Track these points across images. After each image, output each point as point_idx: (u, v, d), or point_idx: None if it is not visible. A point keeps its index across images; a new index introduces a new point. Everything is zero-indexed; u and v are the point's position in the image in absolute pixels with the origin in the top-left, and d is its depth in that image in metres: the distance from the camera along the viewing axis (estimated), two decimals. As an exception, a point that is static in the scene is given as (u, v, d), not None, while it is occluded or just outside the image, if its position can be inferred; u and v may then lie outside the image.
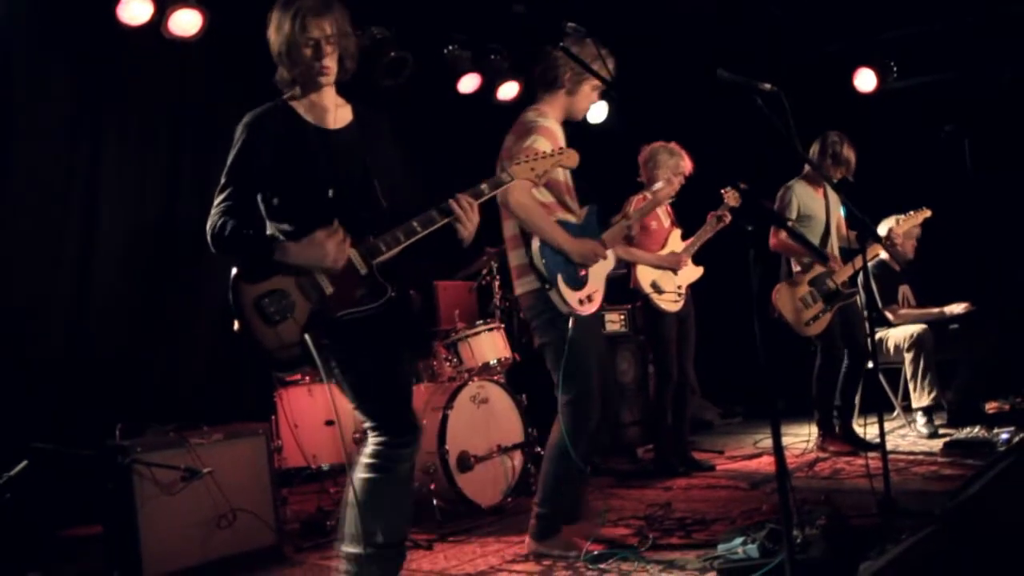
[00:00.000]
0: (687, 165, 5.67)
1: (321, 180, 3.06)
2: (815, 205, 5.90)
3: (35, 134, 5.56)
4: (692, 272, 5.86)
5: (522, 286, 4.03)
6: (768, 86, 3.65)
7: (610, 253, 4.18)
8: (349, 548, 3.10)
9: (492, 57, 7.34)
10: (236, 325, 2.98)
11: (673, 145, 5.69)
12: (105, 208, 5.88)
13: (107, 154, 5.92)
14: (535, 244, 3.90)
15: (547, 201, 4.00)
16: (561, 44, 3.69)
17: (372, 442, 3.10)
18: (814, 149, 5.86)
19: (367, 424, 3.11)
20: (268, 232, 3.09)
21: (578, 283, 3.98)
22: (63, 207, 5.70)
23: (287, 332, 2.94)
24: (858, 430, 6.00)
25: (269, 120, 3.07)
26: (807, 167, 5.93)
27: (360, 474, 3.09)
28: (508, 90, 7.58)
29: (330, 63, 3.05)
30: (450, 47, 7.11)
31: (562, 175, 4.01)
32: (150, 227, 6.17)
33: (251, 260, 2.98)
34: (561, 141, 3.97)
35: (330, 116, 3.16)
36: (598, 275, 4.09)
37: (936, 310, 6.56)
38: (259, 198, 3.09)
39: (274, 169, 3.03)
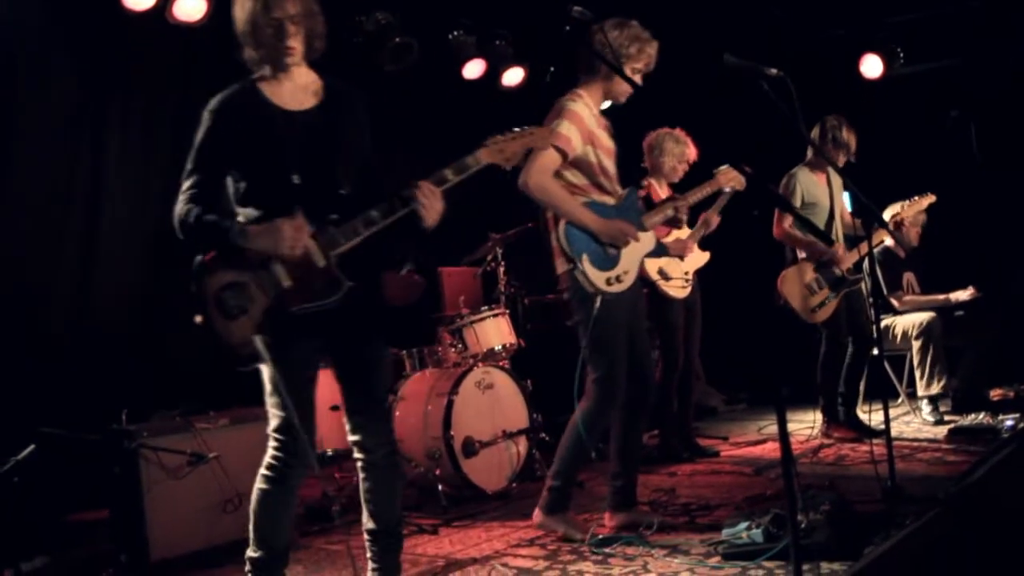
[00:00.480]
0: (692, 152, 5.66)
1: (286, 165, 3.00)
2: (818, 192, 5.88)
3: (39, 121, 5.54)
4: (699, 258, 5.85)
5: (559, 266, 4.07)
6: (774, 71, 3.64)
7: (649, 235, 4.15)
8: (250, 552, 3.12)
9: (497, 43, 7.31)
10: (198, 318, 3.01)
11: (678, 132, 5.67)
12: (109, 193, 5.87)
13: (111, 140, 5.91)
14: (561, 224, 3.93)
15: (580, 183, 4.00)
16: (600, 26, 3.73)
17: (270, 453, 3.07)
18: (814, 134, 5.82)
19: (269, 429, 3.07)
20: (239, 218, 3.05)
21: (607, 263, 3.97)
22: (67, 192, 5.69)
23: (243, 328, 2.94)
24: (863, 417, 6.00)
25: (234, 104, 3.03)
26: (809, 154, 5.91)
27: (257, 484, 3.08)
28: (513, 76, 7.55)
29: (295, 43, 2.99)
30: (455, 32, 7.08)
31: (594, 156, 3.99)
32: (155, 212, 6.16)
33: (213, 246, 2.98)
34: (591, 125, 3.98)
35: (298, 97, 3.08)
36: (632, 256, 4.05)
37: (941, 297, 6.55)
38: (229, 182, 3.06)
39: (239, 154, 3.00)
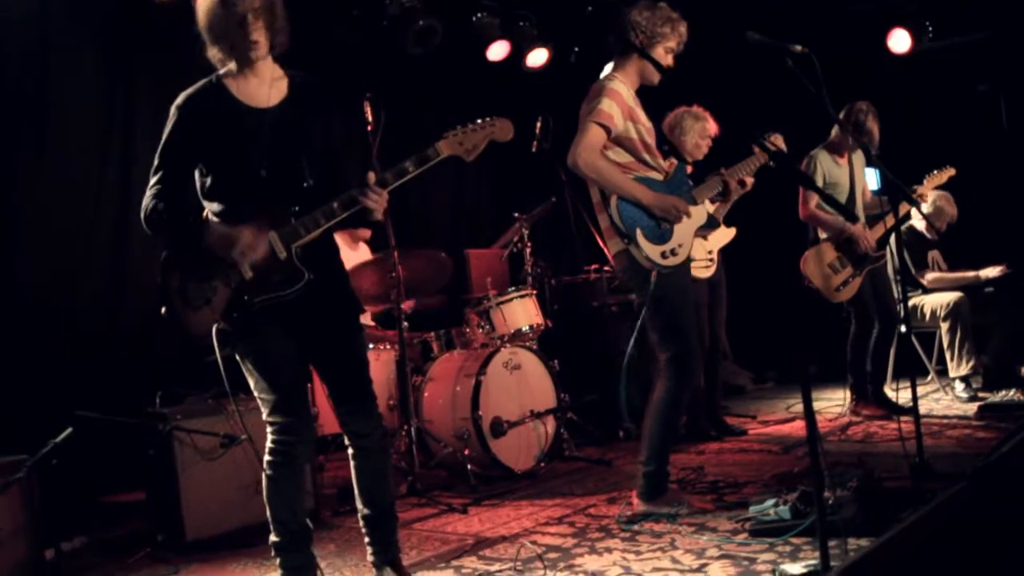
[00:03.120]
0: (713, 127, 5.63)
1: (252, 161, 3.06)
2: (839, 172, 5.83)
3: (70, 111, 5.61)
4: (724, 235, 5.83)
5: (612, 247, 4.08)
6: (799, 48, 3.62)
7: (700, 209, 4.16)
8: (272, 537, 3.22)
9: (521, 24, 7.31)
10: (163, 309, 3.09)
11: (697, 109, 5.64)
12: (140, 179, 5.93)
13: (140, 124, 5.95)
14: (613, 201, 3.94)
15: (624, 161, 4.01)
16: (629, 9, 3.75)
17: (269, 440, 3.16)
18: (840, 116, 5.78)
19: (264, 415, 3.17)
20: (204, 213, 3.12)
21: (660, 237, 3.98)
22: (99, 179, 5.75)
23: (206, 318, 3.03)
24: (891, 394, 5.98)
25: (200, 101, 3.10)
26: (833, 134, 5.86)
27: (264, 471, 3.16)
28: (537, 57, 7.53)
29: (258, 38, 3.01)
30: (479, 14, 7.08)
31: (635, 133, 4.00)
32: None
33: (176, 241, 3.08)
34: (631, 103, 4.00)
35: (264, 92, 3.13)
36: (685, 230, 4.05)
37: (972, 274, 6.50)
38: (196, 175, 3.14)
39: (206, 150, 3.07)
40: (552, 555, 3.60)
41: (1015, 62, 7.15)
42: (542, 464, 5.26)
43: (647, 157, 4.06)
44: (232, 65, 3.10)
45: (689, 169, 5.62)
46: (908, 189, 5.96)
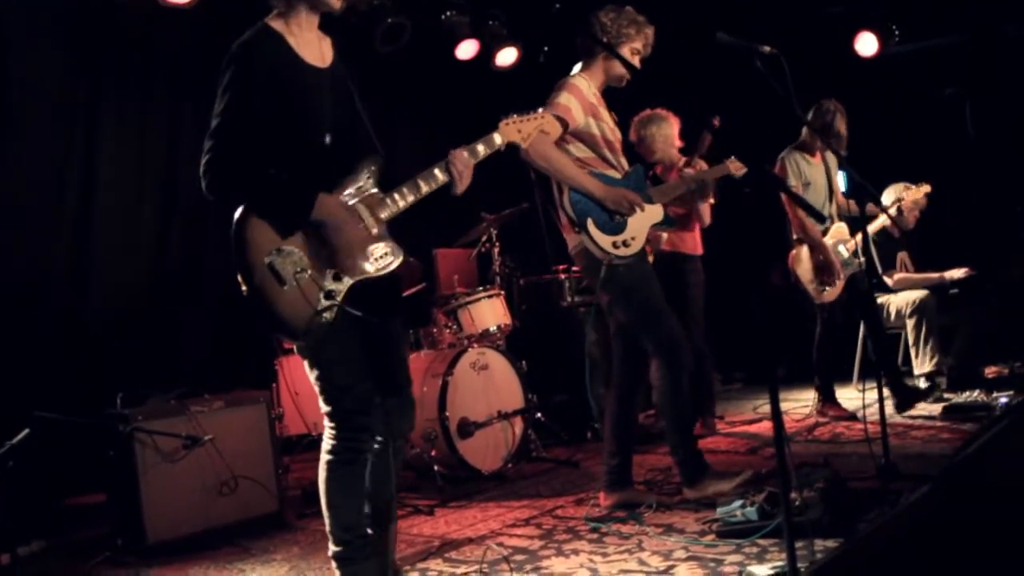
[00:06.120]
0: (677, 127, 5.64)
1: (319, 123, 2.87)
2: (812, 171, 5.82)
3: (33, 105, 5.53)
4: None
5: (570, 242, 4.09)
6: (768, 49, 3.62)
7: (657, 207, 4.15)
8: (336, 548, 2.98)
9: (490, 23, 7.28)
10: (244, 288, 2.77)
11: (659, 112, 5.64)
12: (104, 178, 5.87)
13: (105, 124, 5.91)
14: (566, 191, 3.96)
15: (584, 156, 4.05)
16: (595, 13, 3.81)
17: (339, 435, 2.92)
18: (808, 116, 5.79)
19: (330, 410, 2.91)
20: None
21: (612, 228, 3.99)
22: (62, 177, 5.70)
23: (298, 298, 2.75)
24: (856, 394, 5.98)
25: (264, 52, 2.81)
26: (803, 134, 5.87)
27: (329, 472, 2.93)
28: (506, 56, 7.51)
29: None
30: (448, 12, 7.05)
31: (597, 128, 4.04)
32: (149, 196, 6.16)
33: (283, 212, 2.77)
34: (592, 99, 4.03)
35: (318, 50, 2.95)
36: (638, 224, 4.05)
37: (936, 275, 6.54)
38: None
39: (270, 108, 2.78)
40: (519, 557, 3.57)
41: (981, 66, 7.22)
42: (509, 465, 5.24)
43: (608, 154, 4.09)
44: (290, 17, 2.87)
45: (659, 170, 5.63)
46: (891, 205, 6.02)
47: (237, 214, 2.78)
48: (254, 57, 2.79)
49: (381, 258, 2.90)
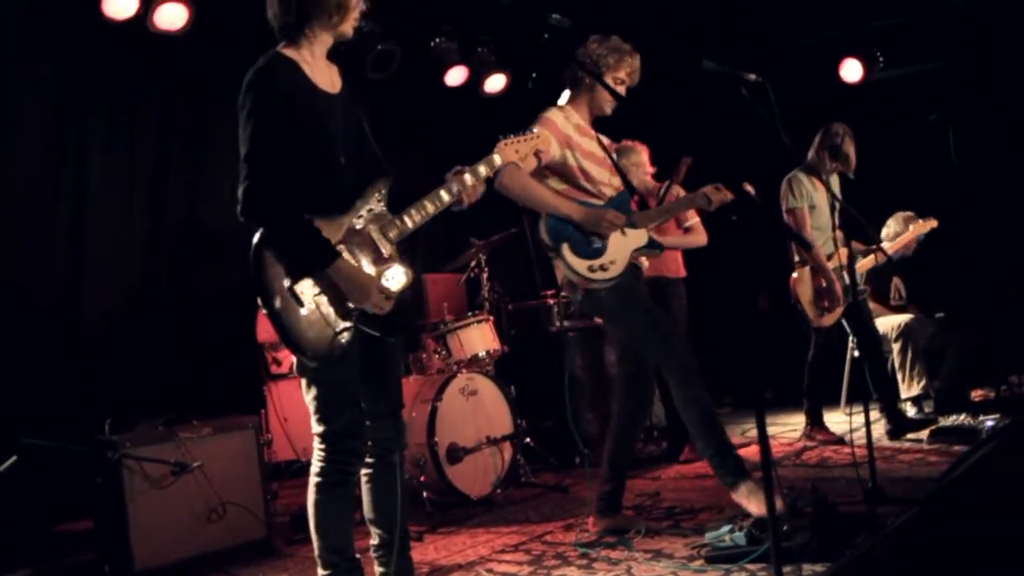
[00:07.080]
0: (646, 155, 5.68)
1: (333, 146, 2.92)
2: (818, 196, 5.80)
3: (22, 131, 5.54)
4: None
5: (559, 273, 4.10)
6: (753, 76, 3.66)
7: (640, 231, 4.13)
8: (324, 572, 2.98)
9: (480, 49, 7.34)
10: (264, 309, 2.80)
11: (625, 144, 5.66)
12: (93, 203, 5.86)
13: (95, 150, 5.90)
14: (543, 218, 3.97)
15: (561, 188, 4.05)
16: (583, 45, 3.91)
17: (328, 458, 2.94)
18: (816, 139, 5.82)
19: (321, 430, 2.93)
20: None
21: (589, 252, 3.98)
22: (52, 203, 5.68)
23: (319, 320, 2.81)
24: (844, 419, 6.00)
25: (281, 77, 2.84)
26: (810, 156, 5.84)
27: (319, 495, 2.95)
28: (495, 82, 7.57)
29: (358, 15, 2.97)
30: (437, 39, 7.10)
31: (573, 160, 4.02)
32: (139, 221, 6.16)
33: (303, 260, 2.81)
34: (568, 131, 4.03)
35: (328, 77, 3.02)
36: (620, 247, 4.03)
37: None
38: None
39: (288, 131, 2.80)
40: (508, 583, 3.56)
41: (964, 92, 7.30)
42: (498, 491, 5.23)
43: (587, 185, 4.08)
44: (301, 43, 2.93)
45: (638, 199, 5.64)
46: (889, 235, 6.06)
47: (258, 236, 2.82)
48: (272, 82, 2.83)
49: (393, 279, 2.97)
